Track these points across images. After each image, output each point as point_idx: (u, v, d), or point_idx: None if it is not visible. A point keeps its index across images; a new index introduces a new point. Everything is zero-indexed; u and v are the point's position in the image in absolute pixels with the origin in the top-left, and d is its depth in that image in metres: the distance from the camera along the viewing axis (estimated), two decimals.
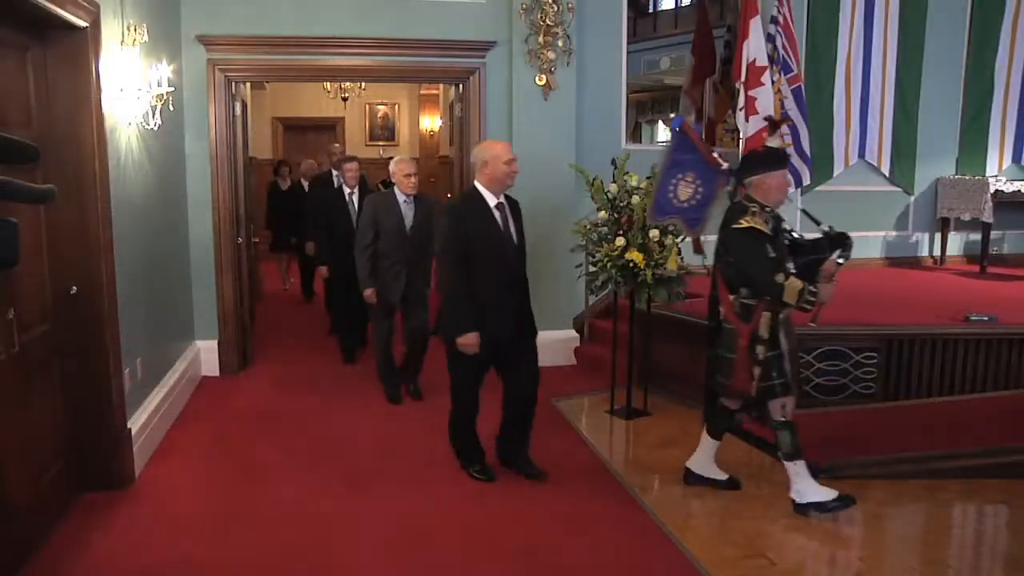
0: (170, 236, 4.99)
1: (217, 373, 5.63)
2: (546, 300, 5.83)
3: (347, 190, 6.01)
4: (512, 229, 3.78)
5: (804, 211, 3.98)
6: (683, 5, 14.72)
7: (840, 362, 4.87)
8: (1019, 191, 7.00)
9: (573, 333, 6.02)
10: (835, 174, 7.11)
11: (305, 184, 8.08)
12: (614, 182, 4.90)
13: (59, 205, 3.31)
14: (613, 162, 5.08)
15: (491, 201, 3.71)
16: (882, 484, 3.86)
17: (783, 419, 3.50)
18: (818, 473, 3.76)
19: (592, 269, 4.87)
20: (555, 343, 5.87)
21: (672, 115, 14.37)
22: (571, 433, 4.61)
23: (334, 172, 6.54)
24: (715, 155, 4.16)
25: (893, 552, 3.28)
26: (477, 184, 3.72)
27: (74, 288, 3.51)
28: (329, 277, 6.27)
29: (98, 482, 3.66)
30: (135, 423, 3.96)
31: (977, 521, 3.75)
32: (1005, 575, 3.18)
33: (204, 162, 5.45)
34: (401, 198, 4.98)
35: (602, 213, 4.85)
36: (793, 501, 3.52)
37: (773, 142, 5.09)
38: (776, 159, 3.61)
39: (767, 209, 3.50)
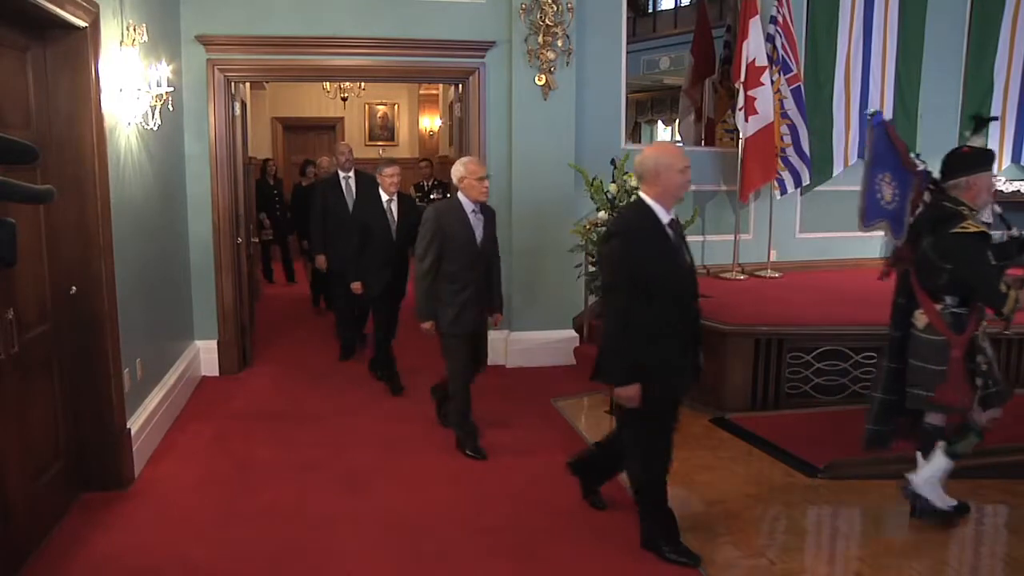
0: (170, 236, 4.99)
1: (216, 373, 5.63)
2: (546, 300, 5.84)
3: (385, 197, 5.32)
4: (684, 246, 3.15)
5: (1000, 215, 3.73)
6: (683, 5, 14.72)
7: (840, 362, 4.88)
8: (1019, 191, 7.00)
9: (573, 333, 6.03)
10: (835, 174, 7.10)
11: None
12: (613, 182, 4.91)
13: (59, 205, 3.32)
14: (613, 162, 5.10)
15: (664, 218, 3.05)
16: (882, 484, 3.86)
17: (983, 426, 3.35)
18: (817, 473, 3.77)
19: (592, 269, 4.87)
20: (555, 343, 5.88)
21: (672, 115, 14.41)
22: (571, 433, 4.61)
23: (341, 174, 6.29)
24: (912, 156, 3.79)
25: (893, 552, 3.28)
26: (644, 197, 3.07)
27: (74, 288, 3.51)
28: (363, 292, 5.47)
29: (98, 482, 3.66)
30: (135, 423, 3.96)
31: (977, 521, 3.75)
32: (1005, 575, 3.18)
33: (204, 162, 5.45)
34: (469, 207, 4.15)
35: (602, 213, 4.86)
36: (909, 485, 3.45)
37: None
38: (986, 159, 3.39)
39: (974, 212, 3.28)
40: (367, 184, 5.65)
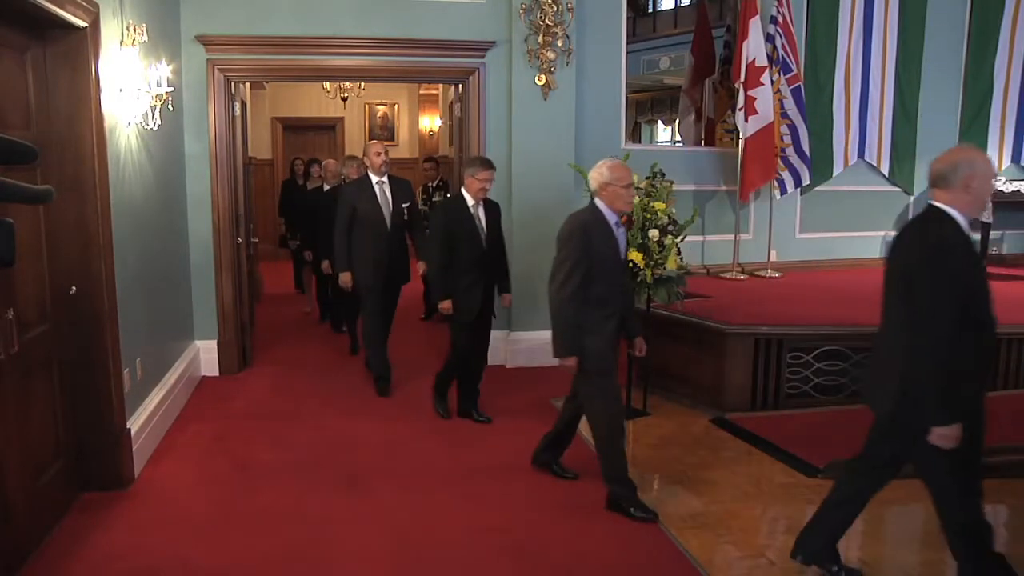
0: (169, 236, 4.99)
1: (216, 373, 5.63)
2: (546, 300, 5.82)
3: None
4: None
5: None
6: (683, 5, 14.72)
7: (840, 362, 4.88)
8: (1018, 191, 7.01)
9: None
10: (835, 174, 7.12)
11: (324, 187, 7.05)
12: None
13: (59, 205, 3.32)
14: None
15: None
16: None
17: None
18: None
19: None
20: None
21: (672, 115, 14.40)
22: None
23: (374, 178, 5.25)
24: None
25: (893, 552, 3.28)
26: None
27: (74, 288, 3.51)
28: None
29: (97, 482, 3.66)
30: (135, 423, 3.96)
31: None
32: None
33: (204, 162, 5.45)
34: (613, 219, 3.67)
35: None
36: None
37: None
38: None
39: None
40: (408, 192, 5.42)
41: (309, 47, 5.49)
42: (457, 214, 4.55)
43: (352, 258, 5.19)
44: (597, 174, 3.60)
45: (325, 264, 6.31)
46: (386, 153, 5.32)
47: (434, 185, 7.48)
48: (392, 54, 5.61)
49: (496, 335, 5.95)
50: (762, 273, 6.66)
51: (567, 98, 5.76)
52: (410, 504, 3.66)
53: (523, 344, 5.87)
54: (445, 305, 4.57)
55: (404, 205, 5.27)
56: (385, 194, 5.22)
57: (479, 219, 4.58)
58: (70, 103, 3.43)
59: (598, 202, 3.59)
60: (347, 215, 5.16)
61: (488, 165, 4.55)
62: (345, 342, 6.47)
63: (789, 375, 4.88)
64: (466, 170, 4.57)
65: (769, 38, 6.37)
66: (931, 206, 2.65)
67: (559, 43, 5.62)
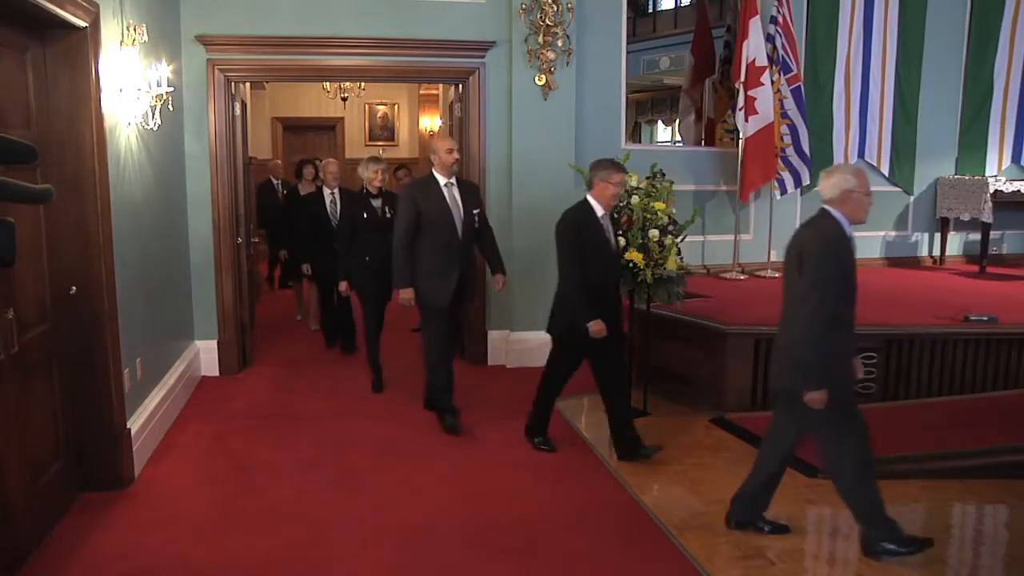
0: (170, 236, 4.99)
1: (217, 373, 5.63)
2: (546, 300, 5.82)
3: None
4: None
5: None
6: (683, 5, 14.72)
7: None
8: (1018, 191, 7.00)
9: None
10: None
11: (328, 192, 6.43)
12: None
13: (59, 205, 3.32)
14: None
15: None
16: (882, 484, 3.85)
17: None
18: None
19: None
20: None
21: (672, 115, 14.41)
22: (571, 433, 4.61)
23: (441, 180, 4.59)
24: None
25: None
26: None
27: (74, 288, 3.51)
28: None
29: (98, 482, 3.66)
30: (135, 423, 3.95)
31: (977, 521, 3.75)
32: (1005, 575, 3.18)
33: (204, 162, 5.45)
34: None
35: None
36: None
37: None
38: None
39: None
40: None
41: (309, 47, 5.49)
42: (587, 225, 4.05)
43: (414, 273, 4.50)
44: (843, 184, 3.14)
45: (343, 285, 5.44)
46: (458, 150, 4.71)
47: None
48: (392, 54, 5.60)
49: (496, 335, 5.96)
50: (762, 273, 6.66)
51: (567, 98, 5.76)
52: (409, 504, 3.66)
53: (523, 344, 5.87)
54: (597, 328, 3.96)
55: (474, 211, 4.60)
56: (455, 198, 4.52)
57: (607, 229, 4.17)
58: (70, 103, 3.43)
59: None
60: (411, 222, 4.43)
61: (620, 168, 4.10)
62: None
63: None
64: (596, 174, 4.07)
65: (769, 38, 6.37)
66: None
67: (559, 43, 5.62)
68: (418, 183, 4.69)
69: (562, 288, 4.10)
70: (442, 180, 4.49)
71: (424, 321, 4.62)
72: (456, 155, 4.54)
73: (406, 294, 4.47)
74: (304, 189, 7.12)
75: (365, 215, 5.30)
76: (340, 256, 5.41)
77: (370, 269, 5.27)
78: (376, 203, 5.35)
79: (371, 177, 5.33)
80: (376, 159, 5.52)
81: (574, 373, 4.28)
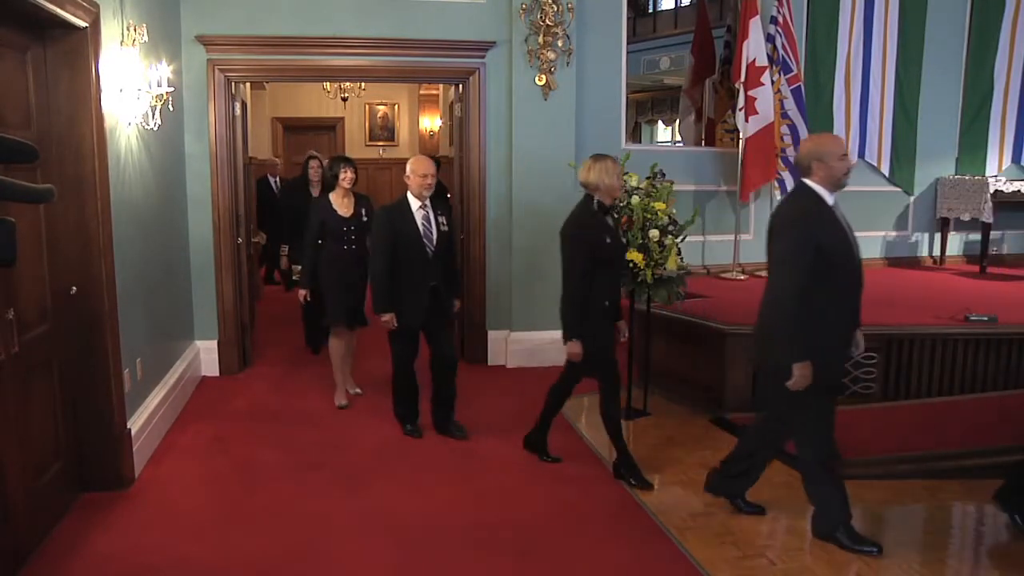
0: (170, 236, 4.99)
1: (217, 373, 5.63)
2: (546, 300, 5.83)
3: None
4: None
5: None
6: (683, 5, 14.73)
7: None
8: (1019, 191, 7.00)
9: None
10: None
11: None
12: None
13: (59, 205, 3.32)
14: None
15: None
16: (882, 484, 3.86)
17: None
18: None
19: None
20: (555, 343, 5.82)
21: (672, 115, 14.41)
22: (571, 433, 4.61)
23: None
24: None
25: (893, 552, 3.27)
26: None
27: (74, 288, 3.51)
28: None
29: (98, 482, 3.67)
30: (135, 423, 3.96)
31: (977, 521, 3.75)
32: (1005, 575, 3.18)
33: (204, 162, 5.45)
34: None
35: None
36: None
37: None
38: None
39: None
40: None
41: (309, 47, 5.49)
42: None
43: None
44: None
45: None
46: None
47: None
48: (392, 54, 5.61)
49: (496, 335, 5.96)
50: (762, 273, 6.64)
51: (567, 98, 5.76)
52: (410, 504, 3.66)
53: (523, 344, 5.87)
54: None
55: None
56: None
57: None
58: (70, 103, 3.43)
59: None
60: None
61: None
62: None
63: None
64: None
65: (769, 38, 6.37)
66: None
67: (559, 43, 5.62)
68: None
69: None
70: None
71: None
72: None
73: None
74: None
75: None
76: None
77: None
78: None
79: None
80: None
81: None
